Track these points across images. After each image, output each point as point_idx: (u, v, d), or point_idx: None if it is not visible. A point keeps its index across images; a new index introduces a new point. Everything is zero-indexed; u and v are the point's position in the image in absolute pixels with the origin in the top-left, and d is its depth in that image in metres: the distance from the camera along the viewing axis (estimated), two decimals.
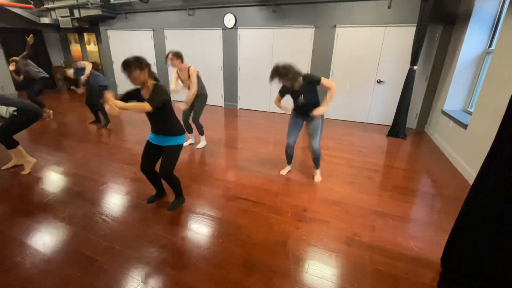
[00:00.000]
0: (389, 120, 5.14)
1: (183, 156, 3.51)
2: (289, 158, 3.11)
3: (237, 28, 6.16)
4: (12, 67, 4.86)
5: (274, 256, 1.84)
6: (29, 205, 2.40)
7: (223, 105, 7.05)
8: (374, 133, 4.94)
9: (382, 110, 5.44)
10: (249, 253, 1.87)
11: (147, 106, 1.87)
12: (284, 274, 1.69)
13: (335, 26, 5.26)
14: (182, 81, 3.53)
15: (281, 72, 2.35)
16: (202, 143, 3.96)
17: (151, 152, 2.20)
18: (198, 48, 6.77)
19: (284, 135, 2.97)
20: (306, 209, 2.42)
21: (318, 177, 3.00)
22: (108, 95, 1.81)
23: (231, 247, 1.92)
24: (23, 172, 2.94)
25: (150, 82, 1.97)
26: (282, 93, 2.74)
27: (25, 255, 1.80)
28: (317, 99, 2.67)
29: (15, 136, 2.90)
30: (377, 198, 2.66)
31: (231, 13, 6.06)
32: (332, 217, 2.31)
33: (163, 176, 2.17)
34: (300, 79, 2.48)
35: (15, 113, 2.72)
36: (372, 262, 1.81)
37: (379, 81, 5.27)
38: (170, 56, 3.26)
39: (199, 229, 2.12)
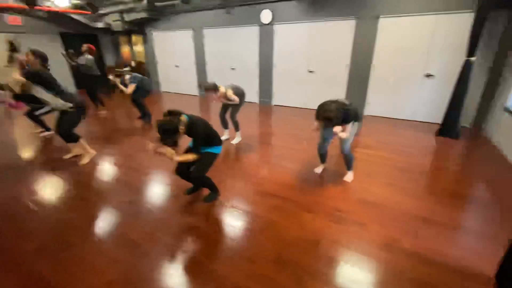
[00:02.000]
0: (438, 117, 4.66)
1: None
2: (323, 158, 3.03)
3: (273, 24, 6.12)
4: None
5: (305, 255, 1.82)
6: (86, 191, 2.72)
7: (258, 102, 7.10)
8: (421, 132, 4.54)
9: (431, 107, 4.96)
10: (280, 249, 1.88)
11: (191, 156, 2.13)
12: (316, 274, 1.67)
13: (378, 17, 4.91)
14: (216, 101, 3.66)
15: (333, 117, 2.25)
16: (237, 139, 4.06)
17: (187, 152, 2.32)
18: (234, 45, 6.89)
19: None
20: (340, 209, 2.34)
21: (349, 177, 2.88)
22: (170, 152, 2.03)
23: (263, 242, 1.95)
24: (82, 162, 3.33)
25: (183, 126, 2.05)
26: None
27: (81, 235, 2.05)
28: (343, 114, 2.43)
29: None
30: (421, 202, 2.46)
31: (268, 8, 6.03)
32: (369, 220, 2.20)
33: (193, 177, 2.27)
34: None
35: (72, 109, 3.02)
36: (413, 271, 1.68)
37: (428, 75, 4.81)
38: (211, 95, 3.38)
39: (232, 222, 2.19)
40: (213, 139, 2.29)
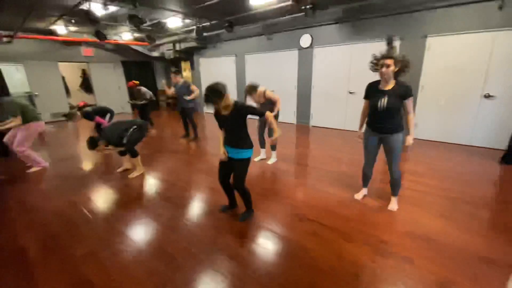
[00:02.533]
0: (502, 142, 4.11)
1: (253, 170, 3.67)
2: (366, 180, 2.83)
3: (313, 47, 6.22)
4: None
5: None
6: (131, 203, 2.94)
7: (295, 123, 7.10)
8: (480, 158, 4.02)
9: (493, 130, 4.40)
10: (315, 278, 1.76)
11: (270, 115, 2.23)
12: None
13: (426, 36, 4.68)
14: (257, 103, 3.77)
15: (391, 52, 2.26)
16: (272, 159, 4.06)
17: (225, 164, 2.39)
18: (274, 69, 7.12)
19: (361, 155, 2.74)
20: (384, 241, 2.13)
21: (393, 205, 2.63)
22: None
23: (296, 269, 1.85)
24: (130, 176, 3.63)
25: (231, 103, 2.16)
26: (368, 93, 2.50)
27: (125, 244, 2.19)
28: (400, 107, 2.32)
29: None
30: (481, 239, 2.12)
31: (308, 33, 6.18)
32: (418, 255, 1.96)
33: (236, 186, 2.33)
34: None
35: (135, 129, 3.43)
36: None
37: (487, 96, 4.33)
38: (250, 93, 3.54)
39: (265, 245, 2.14)
40: (248, 137, 2.29)
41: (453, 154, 4.26)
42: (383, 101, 2.29)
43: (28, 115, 3.62)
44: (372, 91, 2.42)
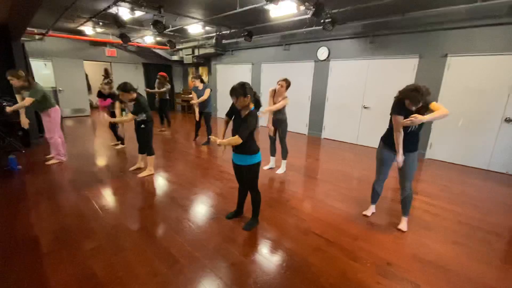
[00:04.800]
0: None
1: (262, 179, 3.67)
2: (376, 197, 2.78)
3: (329, 60, 6.24)
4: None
5: None
6: (140, 202, 3.01)
7: (306, 133, 7.07)
8: (498, 184, 3.86)
9: None
10: None
11: (238, 140, 2.13)
12: None
13: (446, 55, 4.61)
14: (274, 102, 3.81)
15: (423, 91, 2.06)
16: (282, 169, 4.05)
17: (236, 169, 2.45)
18: (289, 78, 7.14)
19: (372, 171, 2.70)
20: (390, 263, 2.08)
21: (403, 225, 2.56)
22: (213, 137, 2.17)
23: (297, 284, 1.83)
24: (140, 175, 3.72)
25: (250, 106, 2.20)
26: (401, 111, 2.25)
27: (132, 242, 2.24)
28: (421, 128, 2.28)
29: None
30: (495, 271, 2.03)
31: (325, 46, 6.22)
32: (425, 281, 1.89)
33: (248, 189, 2.43)
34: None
35: (146, 119, 3.46)
36: None
37: (508, 120, 4.18)
38: (281, 82, 3.66)
39: (268, 256, 2.13)
40: (254, 143, 2.29)
41: (470, 178, 4.11)
42: (415, 125, 2.24)
43: (48, 102, 3.80)
44: (404, 110, 2.23)
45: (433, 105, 2.17)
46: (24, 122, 3.75)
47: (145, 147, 3.71)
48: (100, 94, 4.91)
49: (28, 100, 3.54)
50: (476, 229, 2.62)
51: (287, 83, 3.69)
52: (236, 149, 2.30)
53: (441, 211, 2.97)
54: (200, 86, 5.28)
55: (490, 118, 4.34)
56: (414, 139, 2.33)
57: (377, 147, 2.63)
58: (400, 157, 2.31)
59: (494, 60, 4.19)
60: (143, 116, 3.43)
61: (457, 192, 3.54)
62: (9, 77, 3.57)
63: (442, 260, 2.12)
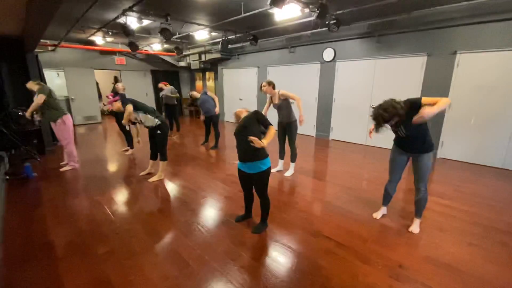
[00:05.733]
0: None
1: (270, 182, 3.64)
2: (387, 199, 2.73)
3: (335, 61, 6.22)
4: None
5: None
6: (151, 206, 3.05)
7: (314, 135, 7.04)
8: None
9: None
10: None
11: (273, 130, 2.24)
12: None
13: (455, 53, 4.52)
14: (274, 105, 3.89)
15: (386, 116, 2.02)
16: (290, 171, 4.04)
17: (244, 179, 2.44)
18: (295, 81, 7.16)
19: (382, 172, 2.67)
20: (403, 265, 2.04)
21: (415, 227, 2.50)
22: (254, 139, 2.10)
23: (307, 287, 1.82)
24: (150, 180, 3.78)
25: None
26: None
27: (144, 246, 2.28)
28: (426, 127, 2.25)
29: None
30: None
31: (331, 47, 6.20)
32: (439, 284, 1.84)
33: (258, 195, 2.42)
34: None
35: (160, 124, 3.56)
36: None
37: None
38: (263, 84, 3.74)
39: (277, 259, 2.12)
40: (262, 148, 2.24)
41: (484, 177, 3.99)
42: (402, 130, 2.26)
43: (59, 111, 3.96)
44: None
45: (424, 99, 2.09)
46: (28, 114, 3.83)
47: (161, 152, 3.75)
48: (114, 92, 5.21)
49: (41, 98, 3.72)
50: (492, 230, 2.54)
51: (269, 83, 3.75)
52: (245, 156, 2.29)
53: (455, 212, 2.89)
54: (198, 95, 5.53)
55: (503, 115, 4.22)
56: (419, 141, 2.25)
57: (385, 147, 2.60)
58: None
59: (505, 55, 4.08)
60: (156, 122, 3.53)
61: (471, 192, 3.45)
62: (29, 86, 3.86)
63: (456, 262, 2.07)
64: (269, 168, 2.34)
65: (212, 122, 5.58)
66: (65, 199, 3.21)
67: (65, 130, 4.03)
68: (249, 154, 2.25)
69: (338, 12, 4.38)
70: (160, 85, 6.79)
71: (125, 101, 3.54)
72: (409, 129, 2.20)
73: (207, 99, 5.40)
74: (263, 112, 3.77)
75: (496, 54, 4.16)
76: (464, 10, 4.18)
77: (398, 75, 5.29)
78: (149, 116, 3.53)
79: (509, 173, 4.15)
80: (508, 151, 4.28)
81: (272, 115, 3.94)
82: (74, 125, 5.18)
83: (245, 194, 2.59)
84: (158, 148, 3.76)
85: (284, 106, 3.78)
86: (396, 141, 2.45)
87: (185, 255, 2.15)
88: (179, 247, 2.25)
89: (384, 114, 2.05)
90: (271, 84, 3.76)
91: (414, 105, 2.09)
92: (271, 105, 3.94)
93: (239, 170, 2.43)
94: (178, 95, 6.81)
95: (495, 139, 4.36)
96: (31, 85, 3.86)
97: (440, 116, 4.77)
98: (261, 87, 3.78)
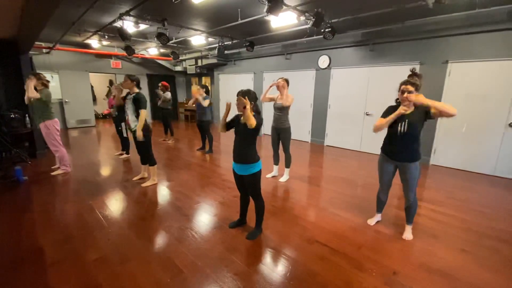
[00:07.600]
0: None
1: (265, 187, 3.67)
2: (380, 205, 2.75)
3: (330, 68, 6.30)
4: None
5: None
6: (144, 211, 3.01)
7: (309, 141, 7.08)
8: (504, 190, 3.80)
9: None
10: None
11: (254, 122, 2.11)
12: None
13: (447, 62, 4.63)
14: (276, 103, 4.00)
15: (417, 83, 2.22)
16: (285, 177, 4.04)
17: (238, 180, 2.46)
18: (291, 87, 7.11)
19: (377, 178, 2.69)
20: (396, 272, 2.04)
21: (408, 234, 2.52)
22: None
23: None
24: (143, 184, 3.73)
25: (252, 112, 2.23)
26: (388, 115, 2.34)
27: (136, 252, 2.24)
28: (419, 134, 2.25)
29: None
30: (506, 279, 1.98)
31: (326, 55, 6.29)
32: None
33: (252, 197, 2.43)
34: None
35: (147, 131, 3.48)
36: None
37: None
38: (282, 78, 3.97)
39: (272, 265, 2.11)
40: (255, 152, 2.31)
41: (475, 184, 4.06)
42: (404, 126, 2.24)
43: (48, 113, 3.91)
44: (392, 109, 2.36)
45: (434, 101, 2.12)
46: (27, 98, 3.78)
47: (146, 157, 3.72)
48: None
49: (39, 94, 3.79)
50: (484, 236, 2.57)
51: (286, 80, 4.00)
52: (239, 157, 2.31)
53: (448, 219, 2.92)
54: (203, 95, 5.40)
55: (494, 123, 4.32)
56: (410, 146, 2.26)
57: (379, 153, 2.63)
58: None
59: (496, 65, 4.20)
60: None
61: (463, 198, 3.49)
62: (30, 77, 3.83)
63: (449, 269, 2.08)
64: (259, 171, 2.34)
65: (203, 127, 5.58)
66: (56, 204, 3.15)
67: (49, 134, 3.94)
68: (241, 155, 2.28)
69: (333, 20, 4.47)
70: (161, 85, 6.70)
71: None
72: (410, 127, 2.22)
73: (200, 104, 5.39)
74: (262, 95, 3.98)
75: (487, 63, 4.28)
76: (456, 20, 4.30)
77: (391, 82, 5.37)
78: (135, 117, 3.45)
79: (500, 180, 4.23)
80: (498, 158, 4.36)
81: (267, 120, 3.98)
82: (67, 129, 5.13)
83: (241, 196, 2.59)
84: (142, 153, 3.71)
85: (283, 109, 3.84)
86: (385, 147, 2.47)
87: (178, 261, 2.11)
88: (172, 253, 2.22)
89: (416, 83, 2.24)
90: (287, 82, 3.93)
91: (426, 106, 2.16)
92: (272, 102, 4.02)
93: (233, 170, 2.44)
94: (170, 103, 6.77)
95: (486, 147, 4.45)
96: (36, 84, 3.87)
97: (432, 123, 4.85)
98: (276, 82, 3.88)
